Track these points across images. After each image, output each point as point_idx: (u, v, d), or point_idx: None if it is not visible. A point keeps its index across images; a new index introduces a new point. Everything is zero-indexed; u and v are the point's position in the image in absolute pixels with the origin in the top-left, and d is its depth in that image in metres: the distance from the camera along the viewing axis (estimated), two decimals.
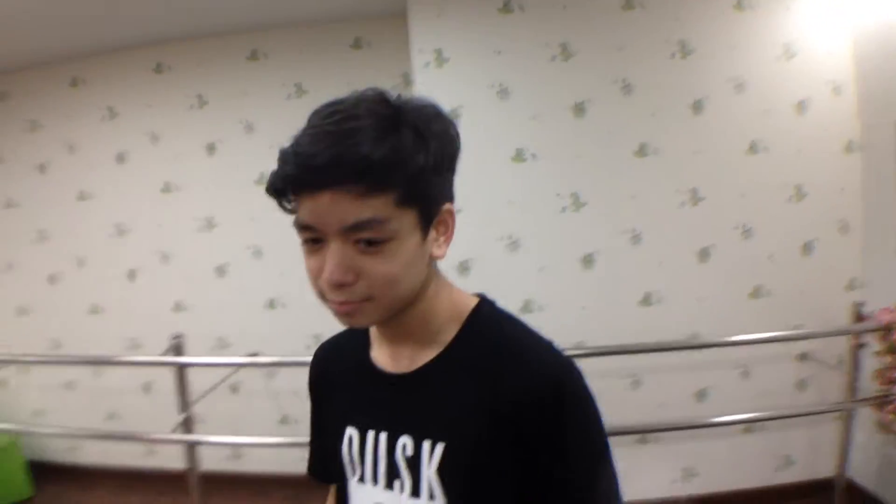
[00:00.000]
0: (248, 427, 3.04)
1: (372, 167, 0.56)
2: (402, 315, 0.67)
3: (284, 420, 3.07)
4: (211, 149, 3.03)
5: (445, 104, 2.25)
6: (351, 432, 0.74)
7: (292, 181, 0.59)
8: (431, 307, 0.70)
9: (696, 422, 2.40)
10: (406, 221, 0.61)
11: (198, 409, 2.79)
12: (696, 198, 2.47)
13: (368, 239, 0.59)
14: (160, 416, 2.59)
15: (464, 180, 2.68)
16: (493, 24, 2.44)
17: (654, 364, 2.50)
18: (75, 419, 3.22)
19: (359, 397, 0.75)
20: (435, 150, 0.62)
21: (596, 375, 3.04)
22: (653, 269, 2.50)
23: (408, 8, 2.46)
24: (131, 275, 3.21)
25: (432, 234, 0.65)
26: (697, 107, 2.43)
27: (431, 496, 0.66)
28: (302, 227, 0.62)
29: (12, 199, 3.35)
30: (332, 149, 0.56)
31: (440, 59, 2.45)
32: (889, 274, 2.35)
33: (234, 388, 3.07)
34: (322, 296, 0.64)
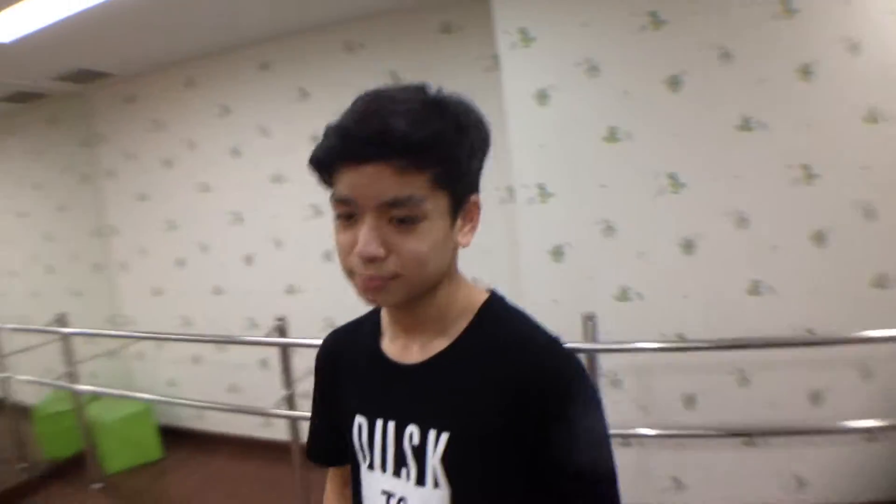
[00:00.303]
0: None
1: (414, 144, 0.59)
2: (422, 301, 0.69)
3: None
4: (315, 139, 3.06)
5: (533, 86, 2.28)
6: (360, 420, 0.76)
7: (337, 153, 0.63)
8: (449, 296, 0.71)
9: (811, 426, 2.18)
10: (439, 204, 0.63)
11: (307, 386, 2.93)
12: (809, 175, 2.19)
13: (403, 217, 0.61)
14: (275, 390, 2.70)
15: (554, 163, 2.33)
16: None
17: (764, 360, 2.28)
18: (202, 389, 3.53)
19: (368, 386, 0.77)
20: (472, 139, 0.65)
21: (699, 370, 2.47)
22: (761, 255, 2.27)
23: None
24: (248, 259, 3.46)
25: (459, 222, 0.67)
26: (806, 72, 2.15)
27: (436, 484, 0.68)
28: (339, 200, 0.64)
29: (144, 192, 3.74)
30: (379, 124, 0.59)
31: (526, 38, 2.37)
32: None
33: None
34: (350, 272, 0.66)
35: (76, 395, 3.19)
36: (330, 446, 0.86)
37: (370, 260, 0.62)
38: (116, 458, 3.44)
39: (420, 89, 0.65)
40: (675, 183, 2.32)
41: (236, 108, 3.35)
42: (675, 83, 2.28)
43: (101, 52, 3.11)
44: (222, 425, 3.61)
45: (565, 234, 2.41)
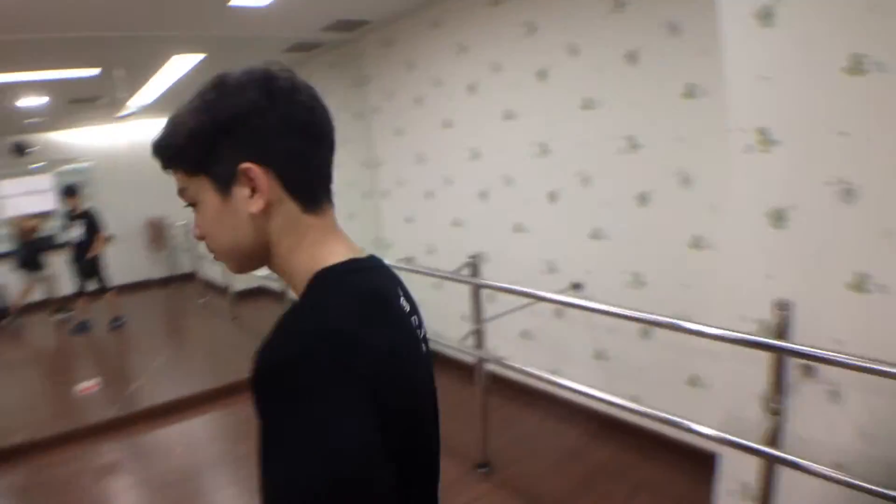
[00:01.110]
0: (563, 354, 3.18)
1: (160, 152, 0.71)
2: (273, 268, 0.73)
3: (599, 355, 3.04)
4: (632, 58, 2.59)
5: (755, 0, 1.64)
6: None
7: None
8: (287, 263, 0.71)
9: None
10: (200, 187, 0.69)
11: (532, 325, 3.21)
12: None
13: (188, 204, 0.72)
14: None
15: (780, 102, 1.69)
16: None
17: None
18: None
19: None
20: (209, 119, 0.67)
21: None
22: None
23: None
24: (482, 195, 3.55)
25: (242, 192, 0.68)
26: None
27: None
28: None
29: (400, 127, 4.07)
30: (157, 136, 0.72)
31: None
32: None
33: (559, 314, 3.17)
34: None
35: None
36: None
37: (198, 239, 0.74)
38: None
39: (211, 83, 0.69)
40: None
41: (472, 46, 3.41)
42: None
43: (355, 1, 3.49)
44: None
45: (789, 195, 1.74)
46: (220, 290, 6.16)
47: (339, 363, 0.57)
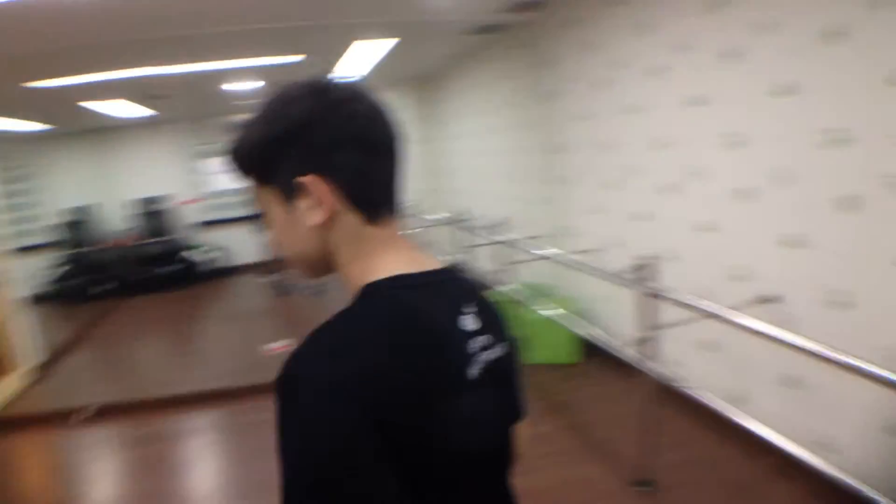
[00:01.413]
0: (749, 374, 2.74)
1: (233, 161, 0.74)
2: (341, 276, 0.76)
3: (792, 382, 2.52)
4: (835, 36, 2.10)
5: None
6: None
7: None
8: (346, 273, 0.75)
9: None
10: (267, 197, 0.73)
11: (713, 334, 2.72)
12: None
13: (260, 212, 0.77)
14: None
15: None
16: None
17: None
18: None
19: None
20: (271, 132, 0.70)
21: None
22: None
23: None
24: (673, 188, 3.18)
25: (304, 204, 0.70)
26: None
27: None
28: None
29: (582, 112, 3.76)
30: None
31: None
32: None
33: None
34: None
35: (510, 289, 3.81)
36: None
37: (273, 247, 0.79)
38: (538, 350, 3.93)
39: (277, 94, 0.73)
40: None
41: (654, 25, 3.04)
42: None
43: None
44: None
45: None
46: None
47: (336, 388, 0.60)
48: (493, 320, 0.80)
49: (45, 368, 4.84)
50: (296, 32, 3.91)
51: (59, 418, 3.95)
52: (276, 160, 0.70)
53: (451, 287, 0.77)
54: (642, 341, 2.49)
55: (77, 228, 7.89)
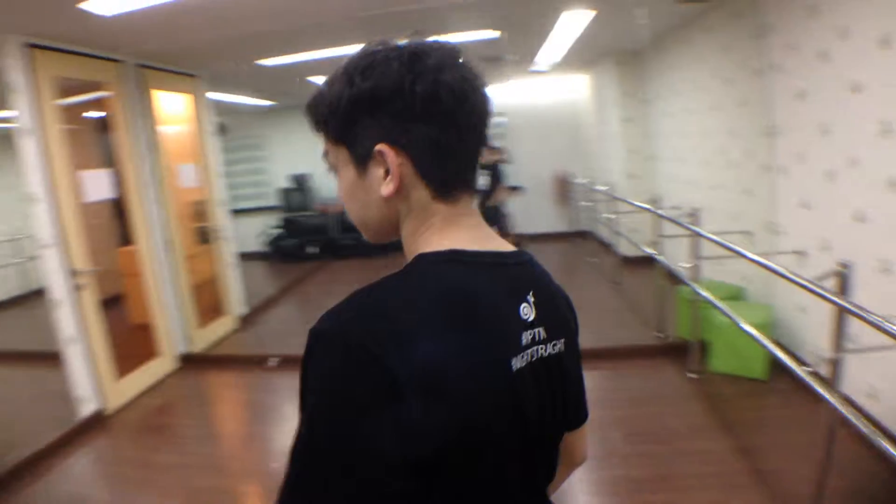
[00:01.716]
0: None
1: (309, 112, 0.74)
2: (402, 245, 0.75)
3: None
4: None
5: None
6: None
7: None
8: (407, 245, 0.74)
9: None
10: (341, 156, 0.73)
11: None
12: None
13: (330, 168, 0.76)
14: None
15: None
16: None
17: None
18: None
19: None
20: (351, 93, 0.68)
21: None
22: None
23: None
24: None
25: (376, 172, 0.70)
26: None
27: None
28: None
29: (857, 81, 2.91)
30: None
31: None
32: None
33: None
34: None
35: (696, 289, 3.35)
36: None
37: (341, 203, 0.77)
38: (721, 359, 3.55)
39: (362, 51, 0.71)
40: None
41: None
42: None
43: None
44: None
45: None
46: (611, 252, 6.20)
47: (356, 348, 0.59)
48: (556, 315, 0.76)
49: (251, 317, 5.68)
50: (489, 7, 3.89)
51: (254, 362, 4.60)
52: (354, 122, 0.69)
53: (514, 271, 0.73)
54: (831, 363, 2.11)
55: (293, 194, 9.00)
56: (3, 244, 7.02)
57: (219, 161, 5.44)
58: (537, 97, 8.23)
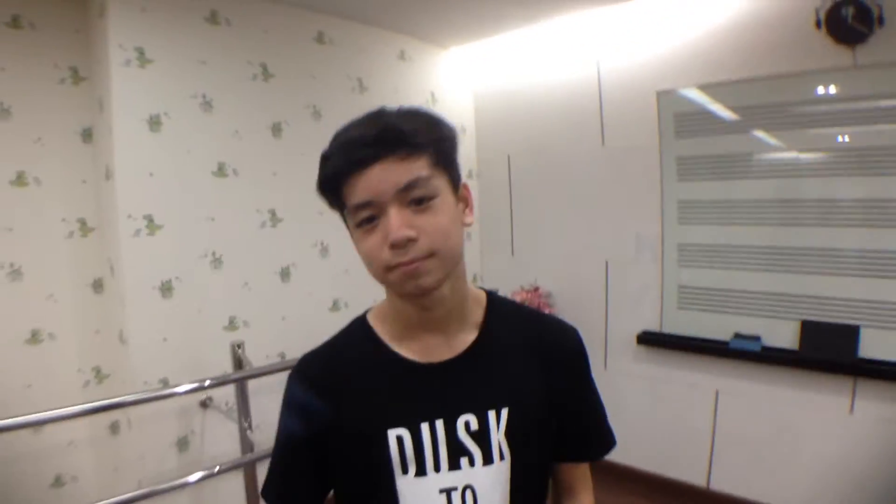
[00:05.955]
0: None
1: (407, 135, 0.66)
2: (448, 286, 0.73)
3: None
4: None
5: (147, 108, 2.22)
6: (398, 433, 0.75)
7: (344, 166, 0.68)
8: (464, 287, 0.77)
9: None
10: (442, 181, 0.70)
11: None
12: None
13: (420, 197, 0.67)
14: None
15: (164, 194, 2.29)
16: (199, 34, 2.32)
17: None
18: None
19: (394, 397, 0.77)
20: (446, 130, 0.72)
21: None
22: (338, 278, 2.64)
23: None
24: None
25: (459, 205, 0.73)
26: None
27: (501, 457, 0.75)
28: (359, 206, 0.68)
29: None
30: (373, 129, 0.67)
31: (143, 58, 2.16)
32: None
33: None
34: (387, 269, 0.68)
35: None
36: (309, 486, 0.82)
37: (404, 243, 0.65)
38: None
39: (384, 109, 0.72)
40: (275, 217, 2.49)
41: None
42: (277, 129, 2.51)
43: None
44: None
45: (175, 268, 2.27)
46: None
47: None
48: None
49: None
50: None
51: None
52: (454, 151, 0.73)
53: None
54: None
55: None
56: None
57: None
58: None
